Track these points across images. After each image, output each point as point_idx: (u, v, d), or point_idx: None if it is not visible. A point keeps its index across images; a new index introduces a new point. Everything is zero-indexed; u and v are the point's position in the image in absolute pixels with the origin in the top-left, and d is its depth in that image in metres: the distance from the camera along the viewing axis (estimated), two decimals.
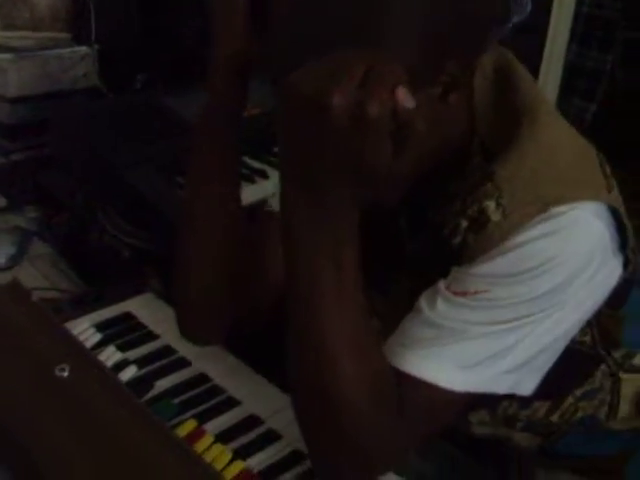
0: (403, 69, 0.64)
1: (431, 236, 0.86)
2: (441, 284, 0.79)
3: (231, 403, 0.95)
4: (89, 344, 1.01)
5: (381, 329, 0.94)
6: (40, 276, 1.34)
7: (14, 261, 1.34)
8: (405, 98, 0.62)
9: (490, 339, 0.76)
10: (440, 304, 0.77)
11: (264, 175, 1.42)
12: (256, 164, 1.46)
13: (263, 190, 1.32)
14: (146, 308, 1.13)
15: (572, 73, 2.06)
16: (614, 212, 0.79)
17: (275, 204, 0.99)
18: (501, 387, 0.79)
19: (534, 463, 1.13)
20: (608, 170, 0.83)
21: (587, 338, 0.88)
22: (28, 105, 1.69)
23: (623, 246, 0.81)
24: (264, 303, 0.98)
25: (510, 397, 0.93)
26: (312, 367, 0.74)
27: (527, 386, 0.81)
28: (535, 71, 1.88)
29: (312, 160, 0.65)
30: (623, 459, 1.06)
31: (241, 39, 0.87)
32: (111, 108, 1.56)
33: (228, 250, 0.93)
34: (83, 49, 1.78)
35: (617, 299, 0.86)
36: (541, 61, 1.85)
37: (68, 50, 1.76)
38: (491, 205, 0.77)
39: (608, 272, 0.81)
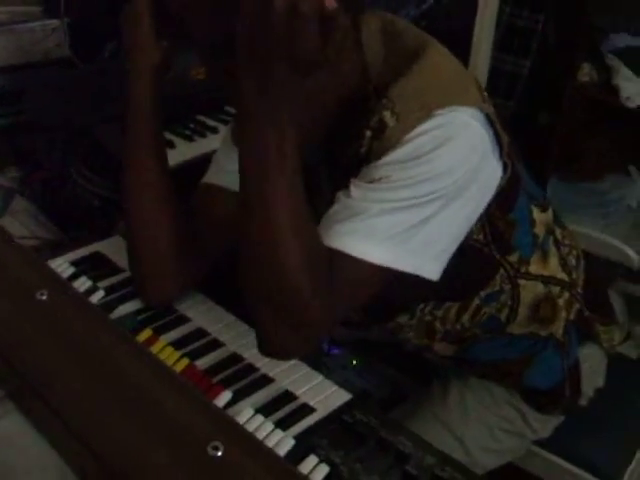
0: None
1: (344, 155, 1.02)
2: (354, 180, 0.96)
3: (183, 320, 1.14)
4: (65, 276, 1.19)
5: None
6: (22, 228, 1.50)
7: None
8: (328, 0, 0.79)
9: (396, 215, 0.91)
10: (353, 191, 0.94)
11: (215, 131, 1.60)
12: (209, 122, 1.65)
13: (215, 144, 1.49)
14: (114, 248, 1.29)
15: (507, 32, 2.23)
16: (489, 121, 0.96)
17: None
18: (408, 265, 0.93)
19: (449, 370, 1.33)
20: (485, 94, 1.02)
21: (481, 237, 1.05)
22: (5, 76, 1.83)
23: (500, 153, 0.99)
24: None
25: (424, 299, 1.12)
26: (257, 237, 0.89)
27: (431, 269, 0.95)
28: (469, 31, 2.05)
29: (260, 49, 0.82)
30: (523, 364, 1.25)
31: (151, 48, 1.07)
32: (81, 75, 1.72)
33: (169, 215, 1.11)
34: (54, 22, 1.92)
35: (505, 202, 1.04)
36: (474, 22, 2.02)
37: (39, 23, 1.90)
38: (387, 114, 0.94)
39: (491, 170, 0.98)
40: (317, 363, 1.43)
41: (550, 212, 1.19)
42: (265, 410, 0.96)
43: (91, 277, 1.19)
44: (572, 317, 1.24)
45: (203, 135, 1.58)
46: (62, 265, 1.21)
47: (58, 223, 1.50)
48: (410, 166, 0.91)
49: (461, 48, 2.07)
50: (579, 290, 1.26)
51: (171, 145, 1.50)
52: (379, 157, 0.94)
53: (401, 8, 2.09)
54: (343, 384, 1.41)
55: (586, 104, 2.30)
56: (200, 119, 1.64)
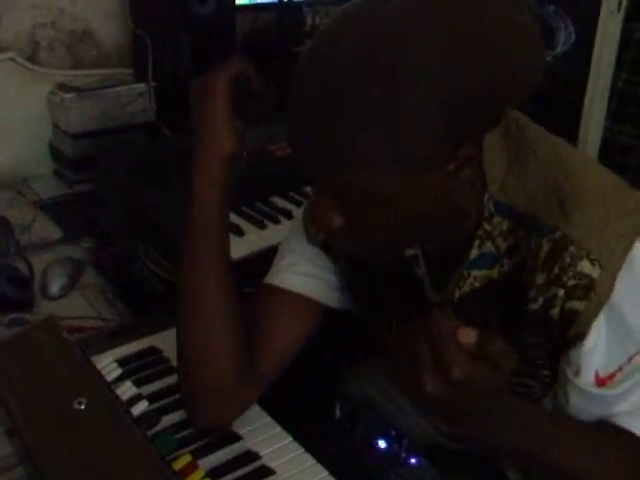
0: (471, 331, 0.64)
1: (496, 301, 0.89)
2: (587, 378, 0.83)
3: (231, 439, 1.01)
4: (110, 378, 1.09)
5: None
6: (87, 305, 1.43)
7: (64, 291, 1.44)
8: (465, 337, 0.63)
9: None
10: (619, 378, 0.83)
11: (289, 216, 1.46)
12: (283, 204, 1.52)
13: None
14: (173, 341, 1.20)
15: (621, 100, 2.05)
16: None
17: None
18: None
19: None
20: None
21: None
22: (89, 140, 1.82)
23: None
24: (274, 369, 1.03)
25: None
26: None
27: None
28: (579, 99, 1.88)
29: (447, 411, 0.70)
30: None
31: (226, 134, 0.92)
32: (157, 146, 1.65)
33: (230, 334, 0.98)
34: (141, 86, 1.89)
35: None
36: (585, 89, 1.86)
37: (126, 88, 1.87)
38: (586, 265, 0.80)
39: None
40: (389, 472, 1.30)
41: None
42: None
43: (137, 381, 1.10)
44: None
45: (276, 221, 1.44)
46: (109, 366, 1.12)
47: (127, 303, 1.43)
48: None
49: (570, 118, 1.92)
50: None
51: (239, 232, 1.36)
52: (588, 319, 0.80)
53: None
54: None
55: None
56: (273, 201, 1.52)
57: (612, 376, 0.82)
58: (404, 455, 1.33)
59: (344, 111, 0.72)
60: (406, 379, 0.67)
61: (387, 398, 1.32)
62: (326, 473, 0.96)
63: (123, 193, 1.47)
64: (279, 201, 1.52)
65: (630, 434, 0.84)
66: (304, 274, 1.03)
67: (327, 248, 1.02)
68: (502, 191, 0.85)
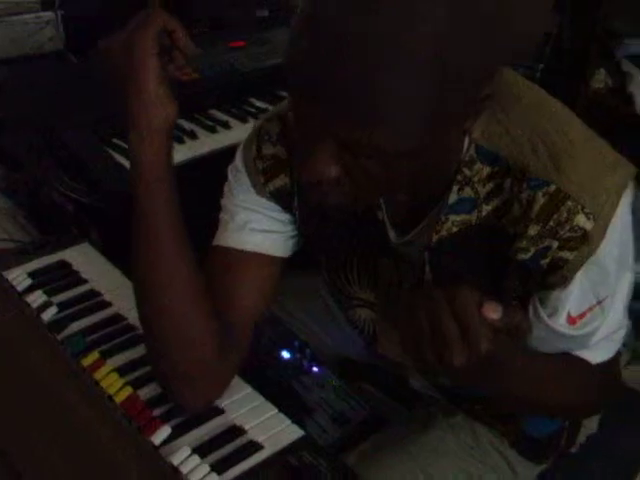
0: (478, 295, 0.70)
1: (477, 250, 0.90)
2: (560, 319, 0.88)
3: (137, 340, 1.07)
4: (20, 289, 1.14)
5: (375, 318, 1.06)
6: None
7: None
8: (490, 313, 0.69)
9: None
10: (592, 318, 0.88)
11: (194, 136, 1.52)
12: (187, 125, 1.56)
13: (192, 151, 1.44)
14: (82, 257, 1.26)
15: None
16: None
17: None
18: None
19: (437, 403, 1.20)
20: None
21: None
22: None
23: None
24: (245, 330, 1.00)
25: None
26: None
27: None
28: None
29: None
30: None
31: (165, 100, 0.86)
32: (64, 73, 1.67)
33: (196, 305, 0.92)
34: (48, 14, 1.88)
35: None
36: None
37: (33, 15, 1.85)
38: (581, 218, 0.81)
39: None
40: (292, 380, 1.38)
41: None
42: (206, 448, 0.90)
43: (47, 291, 1.15)
44: None
45: (181, 141, 1.49)
46: (19, 277, 1.16)
47: (38, 226, 1.46)
48: (625, 253, 0.87)
49: None
50: None
51: None
52: (575, 267, 0.84)
53: None
54: (319, 403, 1.36)
55: (600, 112, 2.20)
56: (178, 123, 1.55)
57: (582, 316, 0.87)
58: (306, 364, 1.41)
59: (386, 72, 0.67)
60: (428, 351, 0.71)
61: (285, 311, 1.38)
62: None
63: (32, 117, 1.49)
64: (184, 123, 1.56)
65: (587, 363, 0.93)
66: (262, 231, 0.99)
67: (278, 198, 0.99)
68: (484, 137, 0.84)
